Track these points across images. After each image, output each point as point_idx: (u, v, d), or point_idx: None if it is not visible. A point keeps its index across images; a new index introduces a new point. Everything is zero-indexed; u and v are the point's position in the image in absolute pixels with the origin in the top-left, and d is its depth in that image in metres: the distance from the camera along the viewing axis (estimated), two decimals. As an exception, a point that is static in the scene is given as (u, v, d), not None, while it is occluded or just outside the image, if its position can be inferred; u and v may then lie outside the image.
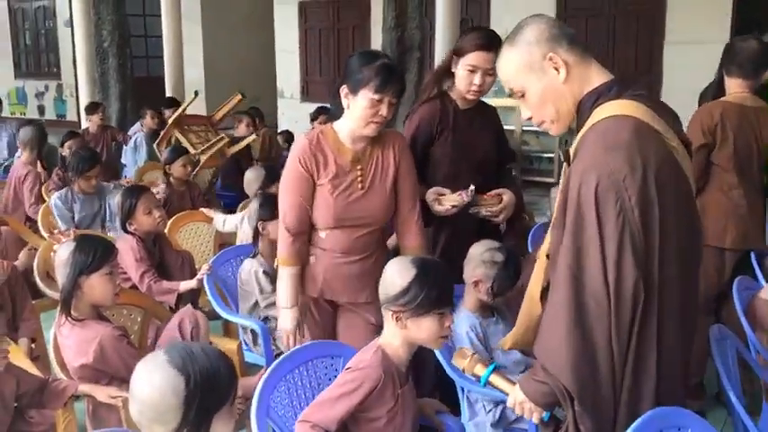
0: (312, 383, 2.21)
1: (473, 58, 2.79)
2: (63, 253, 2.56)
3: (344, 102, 2.49)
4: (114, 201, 4.42)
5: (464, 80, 2.84)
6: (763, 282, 3.16)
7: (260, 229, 3.53)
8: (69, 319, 2.50)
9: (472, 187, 2.72)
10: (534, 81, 1.82)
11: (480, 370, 1.98)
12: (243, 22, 12.57)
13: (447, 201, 2.75)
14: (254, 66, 12.32)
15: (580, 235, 1.68)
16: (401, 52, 7.39)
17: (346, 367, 2.08)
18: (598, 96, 1.78)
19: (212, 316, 3.48)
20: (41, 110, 15.10)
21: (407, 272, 2.02)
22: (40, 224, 4.50)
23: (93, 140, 7.01)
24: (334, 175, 2.53)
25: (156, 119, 7.08)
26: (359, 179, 2.55)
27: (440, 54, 6.99)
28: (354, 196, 2.55)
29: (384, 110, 2.43)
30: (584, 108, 1.80)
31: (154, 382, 1.44)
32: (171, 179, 5.01)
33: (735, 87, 3.37)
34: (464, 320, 2.63)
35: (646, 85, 8.56)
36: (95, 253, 2.54)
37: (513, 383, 1.89)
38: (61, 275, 2.54)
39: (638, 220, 1.64)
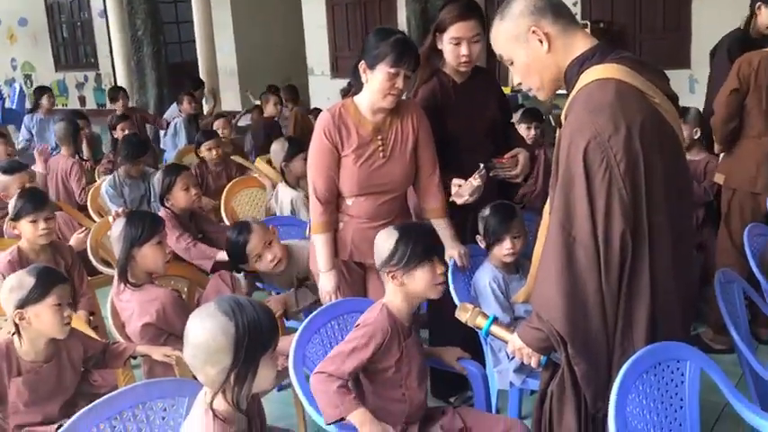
0: (344, 335, 2.40)
1: (455, 30, 2.88)
2: (116, 229, 2.82)
3: (363, 77, 2.66)
4: (156, 182, 4.69)
5: (452, 54, 2.92)
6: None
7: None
8: (128, 285, 2.76)
9: (482, 169, 2.77)
10: (521, 52, 1.95)
11: (481, 322, 2.16)
12: (270, 2, 12.75)
13: (465, 191, 2.77)
14: (284, 45, 12.51)
15: (570, 192, 1.82)
16: (425, 23, 7.47)
17: (356, 324, 2.27)
18: (582, 62, 1.89)
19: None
20: (82, 100, 15.57)
21: (392, 236, 2.25)
22: (89, 207, 4.78)
23: None
24: (357, 145, 2.71)
25: (194, 103, 7.33)
26: (380, 148, 2.73)
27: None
28: (377, 165, 2.73)
29: (400, 82, 2.59)
30: (570, 74, 1.92)
31: (206, 327, 1.61)
32: (205, 160, 5.25)
33: None
34: (488, 273, 2.81)
35: (676, 42, 8.59)
36: (144, 225, 2.79)
37: (512, 332, 2.06)
38: (116, 249, 2.81)
39: (624, 175, 1.77)
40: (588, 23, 8.91)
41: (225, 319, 1.61)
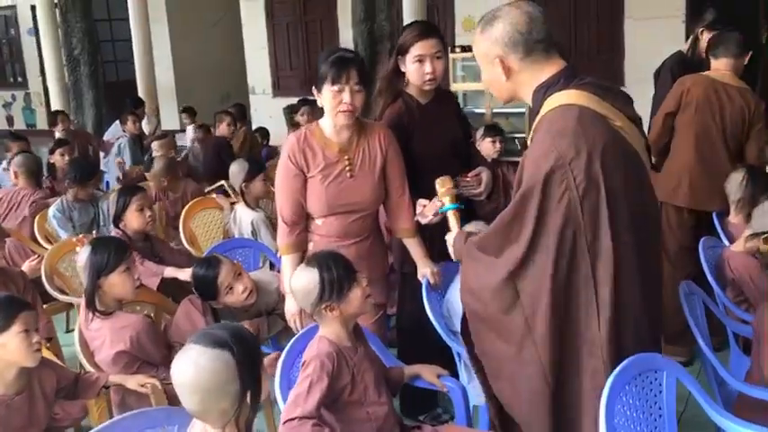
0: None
1: (417, 48, 2.94)
2: (81, 258, 2.75)
3: (318, 101, 2.70)
4: (106, 206, 4.58)
5: (416, 73, 2.98)
6: (725, 240, 3.43)
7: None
8: (97, 314, 2.69)
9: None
10: (486, 69, 2.07)
11: (447, 201, 2.30)
12: (209, 21, 12.65)
13: (429, 211, 2.79)
14: (224, 63, 12.42)
15: (521, 208, 1.91)
16: (372, 44, 7.56)
17: (302, 363, 2.23)
18: (547, 89, 1.97)
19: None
20: (10, 120, 15.02)
21: (311, 272, 2.23)
22: (37, 233, 4.61)
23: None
24: (324, 166, 2.72)
25: (138, 123, 7.19)
26: (347, 168, 2.75)
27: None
28: (344, 184, 2.74)
29: (347, 97, 2.60)
30: (536, 99, 2.01)
31: (206, 367, 1.54)
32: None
33: (718, 66, 3.73)
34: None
35: (610, 62, 8.91)
36: (110, 254, 2.73)
37: (459, 229, 2.25)
38: (83, 278, 2.73)
39: (582, 197, 1.84)
40: (526, 43, 9.16)
41: (218, 351, 1.57)
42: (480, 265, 2.04)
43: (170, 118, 12.20)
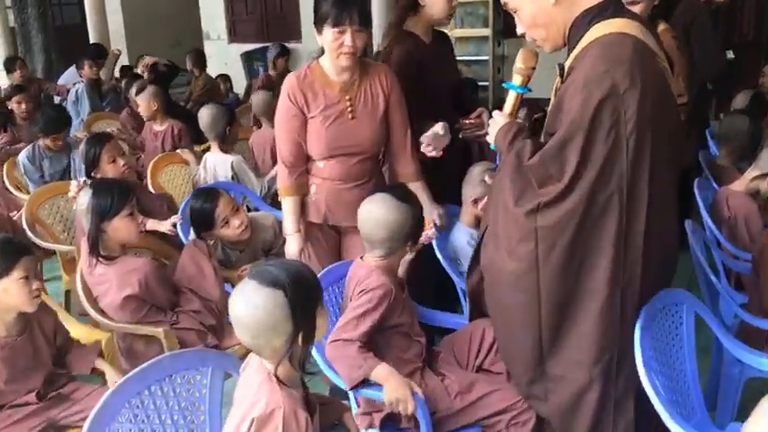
0: (336, 299, 2.42)
1: None
2: (83, 201, 2.65)
3: (319, 39, 2.62)
4: (79, 154, 4.41)
5: (443, 4, 2.93)
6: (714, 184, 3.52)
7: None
8: (101, 259, 2.61)
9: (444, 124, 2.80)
10: (527, 3, 1.91)
11: (518, 81, 2.10)
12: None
13: (427, 138, 2.77)
14: (177, 8, 11.98)
15: (566, 145, 1.79)
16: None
17: (360, 290, 2.22)
18: (594, 16, 1.85)
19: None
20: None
21: (397, 206, 2.22)
22: (6, 181, 4.44)
23: None
24: (324, 106, 2.66)
25: (96, 68, 6.89)
26: (348, 109, 2.68)
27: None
28: (344, 125, 2.68)
29: (348, 40, 2.52)
30: (579, 25, 1.88)
31: (258, 304, 1.54)
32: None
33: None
34: (464, 233, 2.88)
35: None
36: (113, 197, 2.64)
37: (511, 114, 2.12)
38: (84, 222, 2.64)
39: (630, 134, 1.75)
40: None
41: (271, 291, 1.54)
42: (518, 183, 1.91)
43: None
